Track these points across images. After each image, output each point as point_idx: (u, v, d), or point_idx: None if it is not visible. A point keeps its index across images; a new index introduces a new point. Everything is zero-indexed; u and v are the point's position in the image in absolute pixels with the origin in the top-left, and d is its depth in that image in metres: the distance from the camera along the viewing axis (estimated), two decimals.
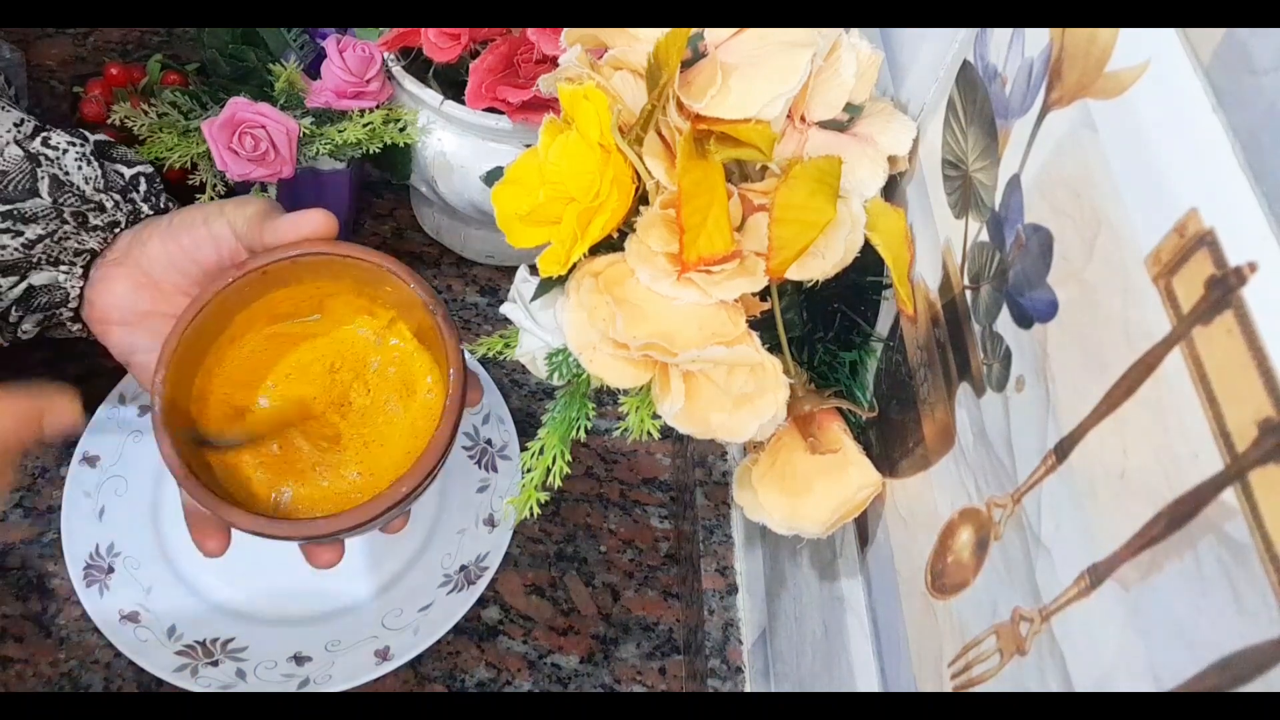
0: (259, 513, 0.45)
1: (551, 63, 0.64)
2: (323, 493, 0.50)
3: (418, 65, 0.74)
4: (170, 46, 0.94)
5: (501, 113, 0.68)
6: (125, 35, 0.95)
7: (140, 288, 0.49)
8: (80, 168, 0.52)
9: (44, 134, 0.52)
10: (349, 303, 0.51)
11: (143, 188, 0.54)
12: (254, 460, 0.49)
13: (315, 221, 0.48)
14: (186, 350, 0.46)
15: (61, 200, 0.50)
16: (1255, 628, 0.22)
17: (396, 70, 0.72)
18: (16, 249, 0.50)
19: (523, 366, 0.49)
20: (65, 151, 0.52)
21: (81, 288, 0.51)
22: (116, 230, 0.52)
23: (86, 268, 0.51)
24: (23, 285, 0.51)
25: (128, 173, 0.54)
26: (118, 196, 0.52)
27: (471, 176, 0.72)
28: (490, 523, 0.68)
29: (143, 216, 0.53)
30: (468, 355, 0.76)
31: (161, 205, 0.55)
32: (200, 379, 0.48)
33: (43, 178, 0.50)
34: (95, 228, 0.51)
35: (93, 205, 0.51)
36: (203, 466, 0.47)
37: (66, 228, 0.51)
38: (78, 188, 0.51)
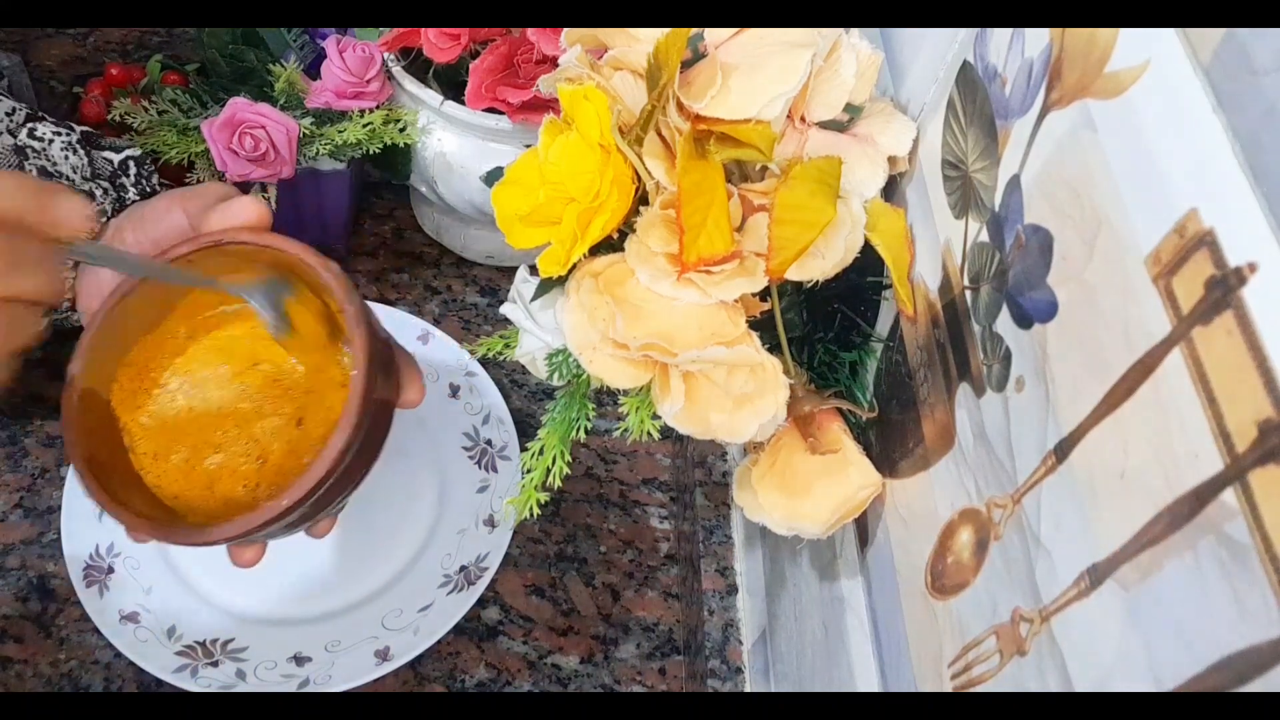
0: (154, 521, 0.43)
1: (551, 63, 0.64)
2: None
3: (418, 65, 0.74)
4: (170, 46, 0.94)
5: (501, 113, 0.68)
6: (125, 35, 0.95)
7: (119, 275, 0.49)
8: (67, 157, 0.52)
9: (30, 125, 0.52)
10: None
11: (132, 171, 0.54)
12: (178, 469, 0.48)
13: (245, 211, 0.45)
14: (101, 347, 0.45)
15: None
16: (1255, 628, 0.22)
17: (396, 70, 0.72)
18: None
19: (523, 366, 0.49)
20: (51, 142, 0.52)
21: (73, 279, 0.52)
22: (105, 219, 0.52)
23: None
24: None
25: (116, 158, 0.54)
26: (106, 184, 0.52)
27: (471, 176, 0.72)
28: (490, 523, 0.68)
29: (128, 203, 0.53)
30: (468, 355, 0.75)
31: (150, 189, 0.55)
32: (120, 377, 0.47)
33: (30, 170, 0.50)
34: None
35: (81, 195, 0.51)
36: (118, 457, 0.45)
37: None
38: (65, 177, 0.51)
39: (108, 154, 0.54)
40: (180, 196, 0.48)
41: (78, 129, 0.54)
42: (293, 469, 0.47)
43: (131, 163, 0.54)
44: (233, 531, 0.41)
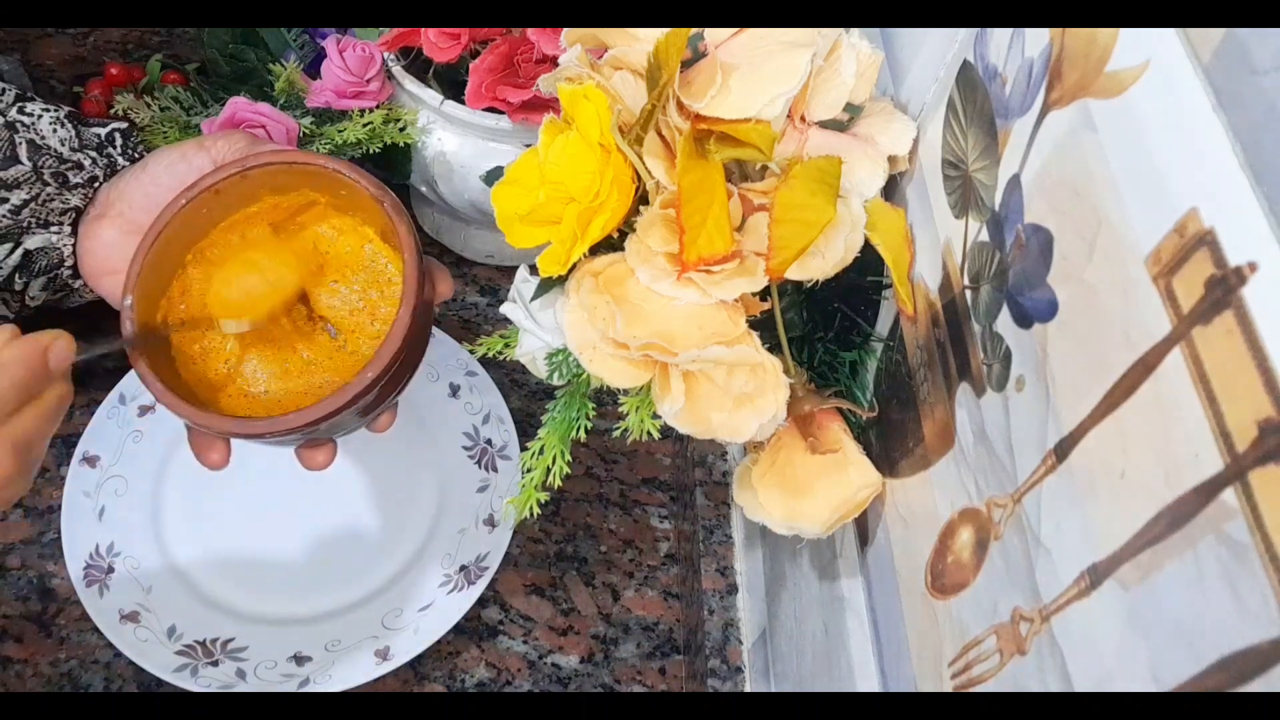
0: (233, 414, 0.46)
1: (551, 63, 0.64)
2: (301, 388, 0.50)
3: (418, 65, 0.74)
4: (170, 46, 0.94)
5: (501, 113, 0.68)
6: (125, 35, 0.95)
7: (126, 234, 0.50)
8: (55, 130, 0.53)
9: (20, 104, 0.53)
10: (320, 213, 0.51)
11: (119, 142, 0.56)
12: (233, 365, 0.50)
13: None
14: (151, 272, 0.47)
15: (40, 163, 0.52)
16: (1255, 628, 0.22)
17: (396, 70, 0.72)
18: (5, 215, 0.51)
19: (523, 366, 0.49)
20: (40, 117, 0.53)
21: (73, 245, 0.52)
22: (96, 185, 0.53)
23: (74, 225, 0.53)
24: (19, 251, 0.52)
25: (103, 131, 0.55)
26: (94, 153, 0.54)
27: (471, 176, 0.72)
28: (490, 523, 0.68)
29: (119, 169, 0.54)
30: (468, 355, 0.75)
31: (138, 156, 0.56)
32: (170, 300, 0.49)
33: (20, 143, 0.52)
34: (76, 185, 0.52)
35: (70, 164, 0.53)
36: (177, 380, 0.47)
37: (49, 189, 0.52)
38: (54, 149, 0.52)
39: (95, 129, 0.55)
40: (197, 143, 0.50)
41: (65, 108, 0.55)
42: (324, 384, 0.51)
43: (118, 134, 0.56)
44: (319, 413, 0.44)
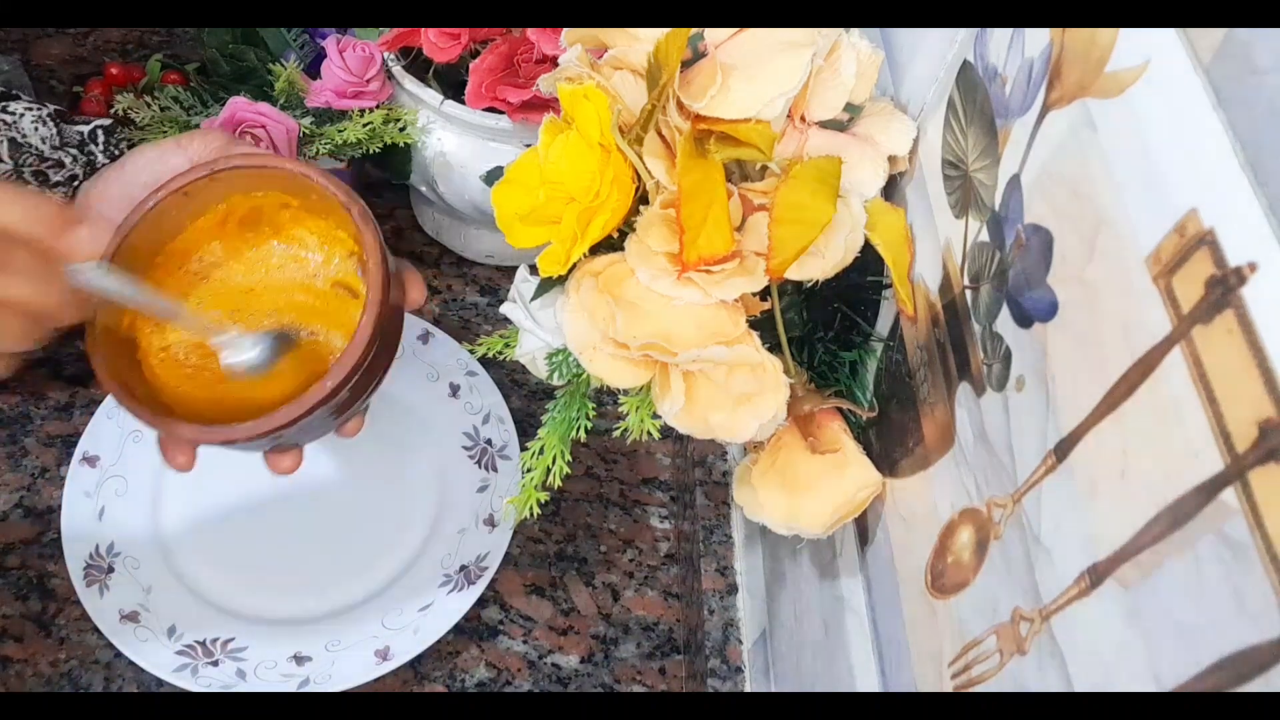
0: (193, 420, 0.46)
1: (551, 63, 0.64)
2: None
3: (418, 65, 0.74)
4: (170, 46, 0.94)
5: (501, 113, 0.68)
6: (125, 35, 0.96)
7: (104, 234, 0.49)
8: (37, 129, 0.53)
9: (4, 103, 0.53)
10: (294, 216, 0.50)
11: (101, 139, 0.55)
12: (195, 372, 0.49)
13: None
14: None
15: (21, 161, 0.52)
16: (1255, 628, 0.22)
17: (396, 70, 0.72)
18: None
19: (523, 366, 0.49)
20: (22, 115, 0.53)
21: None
22: (76, 184, 0.53)
23: None
24: None
25: (85, 129, 0.55)
26: (75, 151, 0.54)
27: (471, 176, 0.72)
28: (490, 523, 0.68)
29: (98, 167, 0.54)
30: (468, 355, 0.75)
31: (118, 154, 0.56)
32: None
33: (1, 141, 0.52)
34: (56, 184, 0.53)
35: (51, 163, 0.53)
36: (141, 383, 0.47)
37: (29, 188, 0.51)
38: (35, 148, 0.52)
39: (78, 126, 0.55)
40: (174, 143, 0.49)
41: (50, 106, 0.55)
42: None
43: (101, 131, 0.56)
44: (280, 420, 0.44)
